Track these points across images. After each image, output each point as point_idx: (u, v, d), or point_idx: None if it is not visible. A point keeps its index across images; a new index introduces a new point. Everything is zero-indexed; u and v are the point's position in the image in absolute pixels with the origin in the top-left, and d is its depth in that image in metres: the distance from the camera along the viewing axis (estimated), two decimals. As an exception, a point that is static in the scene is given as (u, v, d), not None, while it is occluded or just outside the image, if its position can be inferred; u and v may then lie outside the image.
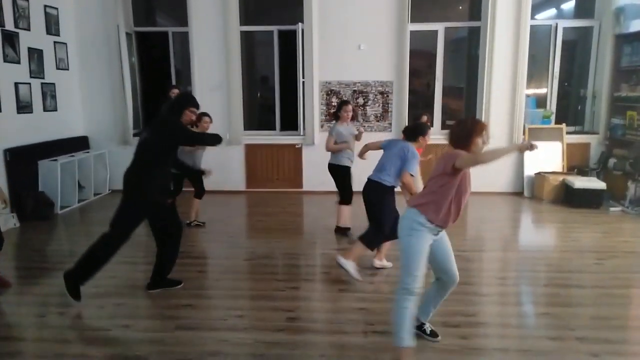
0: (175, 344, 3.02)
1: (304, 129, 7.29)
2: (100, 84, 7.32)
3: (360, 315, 3.38)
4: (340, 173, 5.17)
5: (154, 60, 8.04)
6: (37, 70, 6.36)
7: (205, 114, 5.49)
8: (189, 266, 4.39)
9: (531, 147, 2.47)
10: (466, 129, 2.68)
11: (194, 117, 3.74)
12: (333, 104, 7.08)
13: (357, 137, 5.19)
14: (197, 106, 3.71)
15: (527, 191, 7.12)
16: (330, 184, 5.32)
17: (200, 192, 5.58)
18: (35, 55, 6.32)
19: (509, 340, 3.08)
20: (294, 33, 7.12)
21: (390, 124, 7.25)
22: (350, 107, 5.15)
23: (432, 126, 7.25)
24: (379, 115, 7.29)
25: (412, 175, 4.04)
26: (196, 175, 5.38)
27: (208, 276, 4.28)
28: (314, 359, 2.87)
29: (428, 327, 3.06)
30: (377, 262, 4.31)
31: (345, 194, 5.21)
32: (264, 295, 3.76)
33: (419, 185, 5.09)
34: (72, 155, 6.61)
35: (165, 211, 3.77)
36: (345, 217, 5.28)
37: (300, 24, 7.01)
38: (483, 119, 7.00)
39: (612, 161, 6.76)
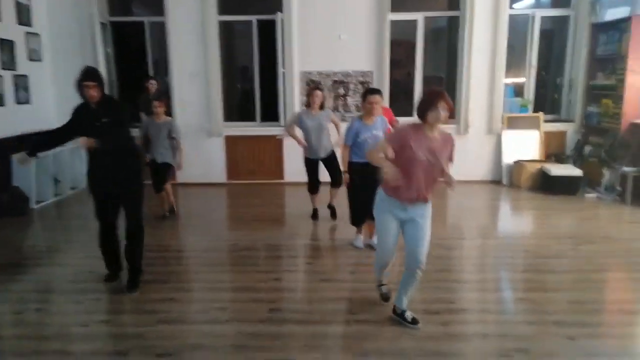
0: (156, 338, 2.99)
1: (284, 120, 7.25)
2: (75, 75, 7.03)
3: (342, 305, 3.40)
4: (304, 163, 5.31)
5: (130, 51, 7.87)
6: (8, 62, 6.17)
7: (155, 99, 5.45)
8: (170, 259, 4.36)
9: (393, 180, 2.73)
10: (422, 102, 2.79)
11: (92, 92, 3.50)
12: (313, 94, 7.04)
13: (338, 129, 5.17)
14: (86, 78, 3.56)
15: (506, 179, 7.21)
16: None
17: (156, 185, 5.46)
18: (6, 46, 6.13)
19: (488, 325, 3.13)
20: (273, 23, 7.05)
21: (371, 114, 7.23)
22: (318, 92, 5.09)
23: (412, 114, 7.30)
24: (360, 105, 7.26)
25: (347, 145, 4.22)
26: (154, 168, 5.38)
27: (189, 269, 4.24)
28: (296, 349, 2.87)
29: (409, 315, 3.09)
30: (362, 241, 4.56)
31: (308, 185, 5.41)
32: (246, 287, 3.75)
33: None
34: (47, 149, 6.45)
35: (125, 203, 3.60)
36: (326, 199, 5.43)
37: (279, 13, 6.93)
38: (462, 108, 7.06)
39: (587, 148, 6.88)
